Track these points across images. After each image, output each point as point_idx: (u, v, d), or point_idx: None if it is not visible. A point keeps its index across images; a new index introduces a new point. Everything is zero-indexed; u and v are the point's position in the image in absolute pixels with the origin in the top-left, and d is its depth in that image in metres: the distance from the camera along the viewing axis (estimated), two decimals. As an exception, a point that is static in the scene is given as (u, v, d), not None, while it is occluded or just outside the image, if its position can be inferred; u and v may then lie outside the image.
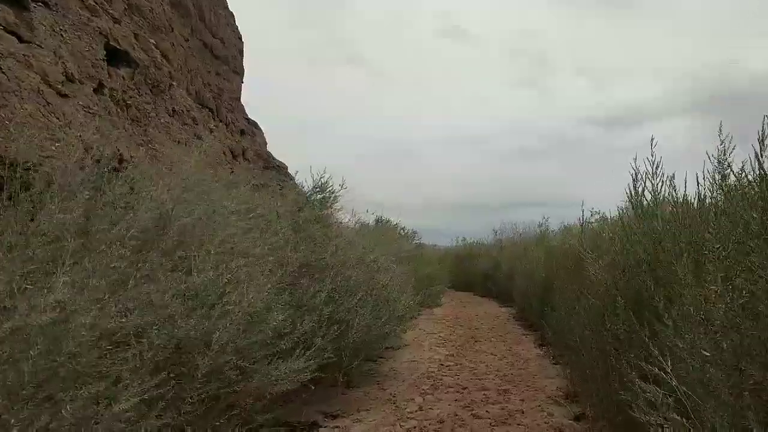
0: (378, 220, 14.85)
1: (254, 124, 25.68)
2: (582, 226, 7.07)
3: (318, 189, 6.39)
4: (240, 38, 24.82)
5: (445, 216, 59.83)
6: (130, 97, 7.50)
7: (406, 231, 15.77)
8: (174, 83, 10.16)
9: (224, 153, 15.26)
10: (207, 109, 17.34)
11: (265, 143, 24.94)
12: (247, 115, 26.28)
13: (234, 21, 24.55)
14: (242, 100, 24.65)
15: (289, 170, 25.38)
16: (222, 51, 22.31)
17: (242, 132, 21.85)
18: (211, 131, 13.84)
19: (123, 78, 7.46)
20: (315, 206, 5.79)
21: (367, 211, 14.87)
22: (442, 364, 6.46)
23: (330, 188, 6.28)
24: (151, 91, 8.42)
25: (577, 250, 6.11)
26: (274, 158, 23.27)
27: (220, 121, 18.67)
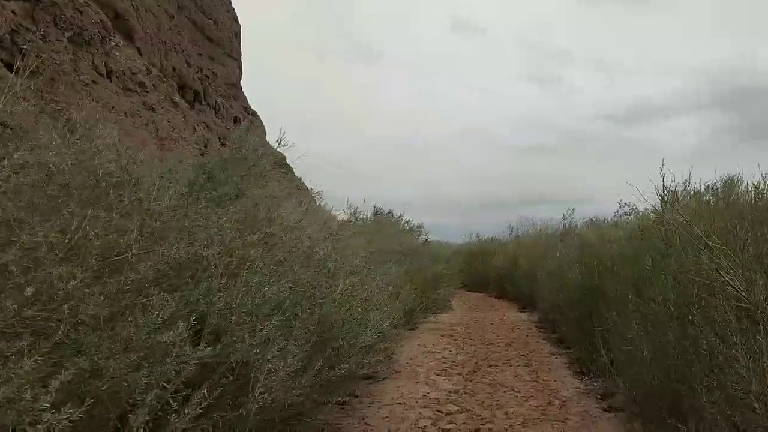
0: (377, 212, 12.77)
1: (253, 113, 23.78)
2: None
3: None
4: (236, 20, 22.85)
5: (458, 213, 57.54)
6: (28, 41, 5.56)
7: (410, 225, 13.65)
8: (114, 39, 8.20)
9: (203, 136, 13.28)
10: (191, 91, 15.41)
11: (264, 134, 22.97)
12: (247, 103, 24.40)
13: (230, 1, 22.59)
14: (246, 91, 22.68)
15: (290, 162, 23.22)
16: (215, 33, 20.34)
17: (236, 119, 19.90)
18: (176, 105, 11.83)
19: (13, 13, 5.52)
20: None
21: (365, 201, 12.85)
22: (440, 411, 4.31)
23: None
24: (70, 40, 6.49)
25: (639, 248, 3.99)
26: (271, 149, 21.31)
27: (208, 105, 16.71)
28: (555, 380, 5.44)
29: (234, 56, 21.99)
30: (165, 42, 13.03)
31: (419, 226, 13.75)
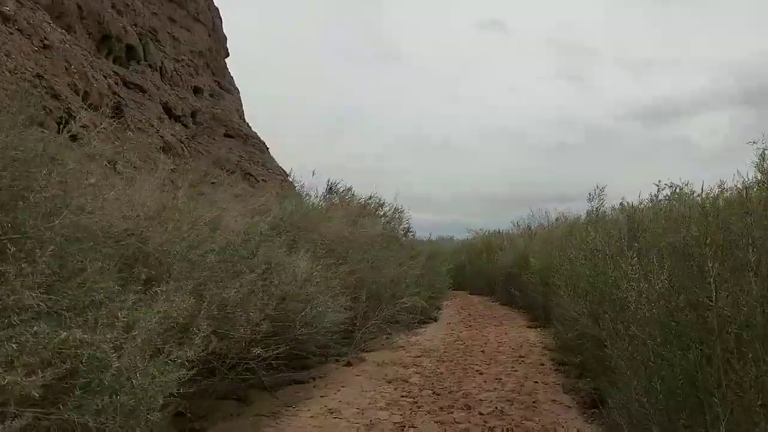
0: (331, 188, 9.37)
1: (227, 89, 20.49)
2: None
3: None
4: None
5: (486, 212, 54.15)
6: None
7: (385, 209, 10.22)
8: None
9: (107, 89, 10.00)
10: (120, 43, 12.19)
11: (237, 110, 19.71)
12: (223, 78, 21.22)
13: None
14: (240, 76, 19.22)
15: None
16: (176, -8, 17.11)
17: (196, 90, 16.66)
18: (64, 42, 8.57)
19: None
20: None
21: (314, 173, 9.40)
22: None
23: None
24: None
25: None
26: (242, 127, 18.01)
27: (149, 67, 13.48)
28: None
29: (202, 20, 18.75)
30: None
31: (398, 211, 10.30)
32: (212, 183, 6.78)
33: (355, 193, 9.54)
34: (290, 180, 15.96)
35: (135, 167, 7.71)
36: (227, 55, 23.89)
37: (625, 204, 8.74)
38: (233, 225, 5.01)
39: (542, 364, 5.67)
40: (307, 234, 6.39)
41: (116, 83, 10.19)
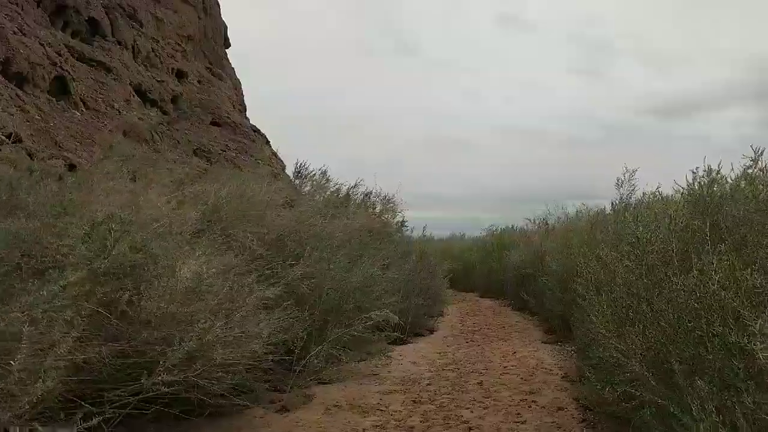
0: (300, 172, 7.72)
1: (220, 77, 19.05)
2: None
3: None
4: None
5: (497, 208, 52.31)
6: None
7: (373, 199, 8.58)
8: None
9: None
10: (76, 14, 10.74)
11: (230, 98, 18.25)
12: (222, 65, 19.86)
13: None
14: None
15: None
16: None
17: (180, 74, 15.19)
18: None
19: None
20: None
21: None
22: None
23: None
24: None
25: None
26: (232, 116, 16.49)
27: (118, 44, 12.00)
28: None
29: (191, 3, 17.29)
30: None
31: (388, 201, 8.62)
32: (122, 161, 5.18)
33: (330, 178, 7.90)
34: (285, 172, 14.46)
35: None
36: (227, 43, 22.50)
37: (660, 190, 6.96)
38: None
39: (561, 409, 3.94)
40: (250, 227, 4.78)
41: (59, 54, 8.70)
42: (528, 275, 10.02)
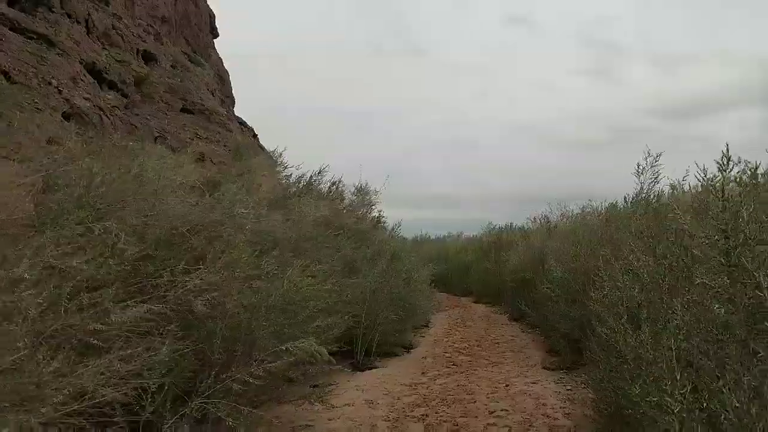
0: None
1: (199, 63, 17.71)
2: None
3: None
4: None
5: (503, 208, 50.93)
6: None
7: (341, 188, 7.15)
8: None
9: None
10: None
11: (209, 86, 16.88)
12: (207, 54, 18.59)
13: None
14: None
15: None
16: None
17: (148, 57, 13.79)
18: None
19: None
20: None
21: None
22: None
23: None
24: None
25: None
26: (206, 102, 15.11)
27: (68, 16, 10.61)
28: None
29: (167, -19, 15.92)
30: None
31: (361, 190, 7.16)
32: None
33: (286, 165, 6.46)
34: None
35: None
36: (215, 33, 21.27)
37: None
38: None
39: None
40: (133, 216, 3.35)
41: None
42: (527, 280, 8.59)
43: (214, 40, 22.72)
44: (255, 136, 18.85)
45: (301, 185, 6.65)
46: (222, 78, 21.63)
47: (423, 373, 5.14)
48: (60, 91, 9.03)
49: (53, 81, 8.97)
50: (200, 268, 3.22)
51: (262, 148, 16.45)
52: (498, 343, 6.92)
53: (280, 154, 6.71)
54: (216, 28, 22.05)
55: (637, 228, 4.28)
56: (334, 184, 6.99)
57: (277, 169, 6.21)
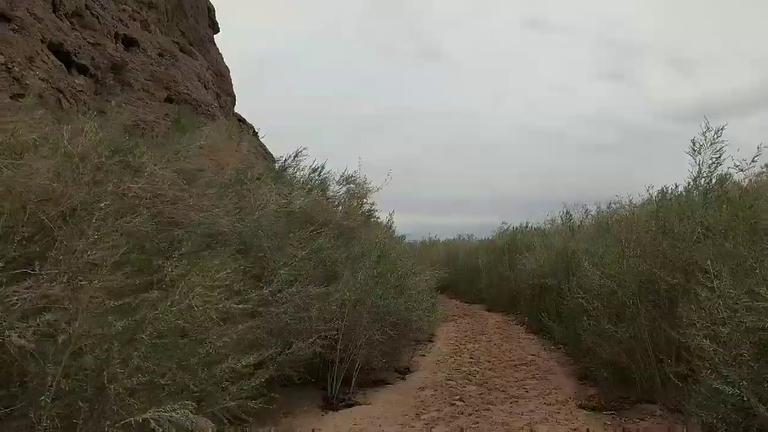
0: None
1: (191, 53, 16.55)
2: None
3: None
4: None
5: (518, 211, 49.62)
6: None
7: (317, 173, 5.81)
8: None
9: None
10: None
11: (201, 77, 15.73)
12: (203, 46, 17.53)
13: None
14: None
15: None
16: None
17: (130, 42, 12.66)
18: None
19: None
20: None
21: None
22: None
23: None
24: None
25: None
26: (192, 93, 13.98)
27: (44, 0, 9.51)
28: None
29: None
30: None
31: (347, 180, 5.82)
32: None
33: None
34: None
35: None
36: (215, 28, 20.22)
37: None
38: None
39: None
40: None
41: None
42: (548, 287, 7.21)
43: (215, 36, 21.65)
44: (255, 133, 17.74)
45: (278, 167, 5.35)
46: (221, 74, 20.49)
47: (417, 414, 3.78)
48: (9, 70, 7.85)
49: (8, 61, 7.81)
50: (34, 271, 1.93)
51: (263, 147, 15.34)
52: (516, 365, 5.53)
53: (256, 133, 5.39)
54: (216, 22, 20.96)
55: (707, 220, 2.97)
56: (315, 170, 5.67)
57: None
